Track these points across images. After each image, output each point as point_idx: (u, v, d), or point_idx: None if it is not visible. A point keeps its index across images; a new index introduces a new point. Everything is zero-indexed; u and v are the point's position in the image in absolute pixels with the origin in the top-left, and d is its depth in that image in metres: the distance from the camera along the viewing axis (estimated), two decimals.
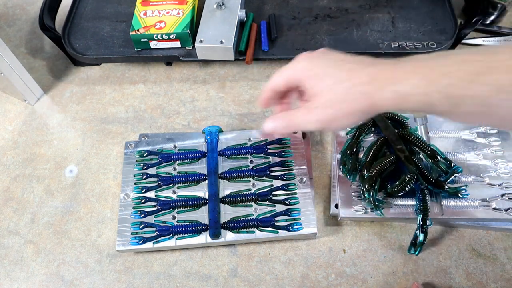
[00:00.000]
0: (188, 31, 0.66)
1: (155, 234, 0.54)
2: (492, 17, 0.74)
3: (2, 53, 0.62)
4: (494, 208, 0.53)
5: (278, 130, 0.47)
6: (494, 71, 0.33)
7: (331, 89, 0.41)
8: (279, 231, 0.54)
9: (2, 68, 0.63)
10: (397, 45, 0.66)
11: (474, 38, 0.73)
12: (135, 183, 0.58)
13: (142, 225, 0.55)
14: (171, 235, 0.54)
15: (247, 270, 0.54)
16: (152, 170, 0.60)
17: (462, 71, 0.34)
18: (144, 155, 0.61)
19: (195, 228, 0.54)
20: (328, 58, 0.43)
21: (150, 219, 0.55)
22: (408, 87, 0.37)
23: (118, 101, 0.71)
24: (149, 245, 0.54)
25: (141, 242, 0.54)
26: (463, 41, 0.70)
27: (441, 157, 0.55)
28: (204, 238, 0.54)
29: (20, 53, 0.78)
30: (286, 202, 0.56)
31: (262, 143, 0.60)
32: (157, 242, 0.54)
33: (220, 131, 0.62)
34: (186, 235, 0.54)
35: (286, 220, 0.54)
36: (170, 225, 0.54)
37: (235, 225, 0.54)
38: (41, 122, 0.69)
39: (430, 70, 0.36)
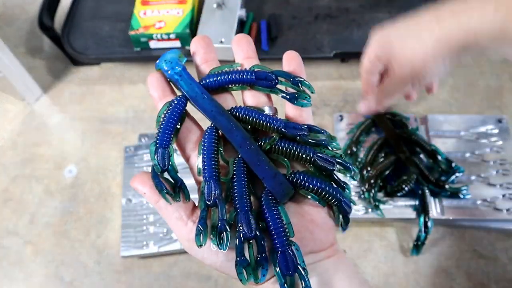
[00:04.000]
0: (188, 30, 0.66)
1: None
2: None
3: (1, 53, 0.62)
4: (495, 208, 0.52)
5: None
6: None
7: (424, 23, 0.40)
8: None
9: (1, 68, 0.63)
10: None
11: None
12: None
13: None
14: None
15: None
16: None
17: None
18: None
19: None
20: (393, 25, 0.43)
21: (153, 223, 0.55)
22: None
23: (118, 101, 0.70)
24: (154, 249, 0.53)
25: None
26: None
27: (441, 157, 0.55)
28: None
29: (19, 52, 0.78)
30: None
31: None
32: (162, 245, 0.53)
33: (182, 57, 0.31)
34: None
35: None
36: None
37: None
38: (40, 122, 0.69)
39: None
